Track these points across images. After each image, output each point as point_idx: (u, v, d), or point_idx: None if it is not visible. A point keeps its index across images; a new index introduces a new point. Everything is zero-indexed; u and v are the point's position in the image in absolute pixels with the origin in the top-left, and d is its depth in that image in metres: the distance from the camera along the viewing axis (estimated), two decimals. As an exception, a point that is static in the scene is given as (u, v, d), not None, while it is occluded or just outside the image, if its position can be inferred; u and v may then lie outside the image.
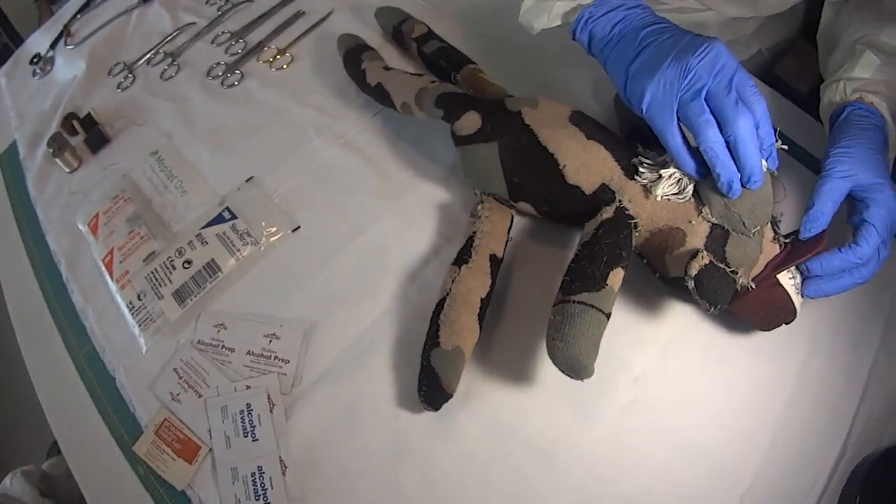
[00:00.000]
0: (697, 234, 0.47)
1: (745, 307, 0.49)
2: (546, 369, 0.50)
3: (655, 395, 0.50)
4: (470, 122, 0.52)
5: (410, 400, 0.49)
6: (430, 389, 0.47)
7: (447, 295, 0.49)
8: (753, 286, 0.47)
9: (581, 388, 0.49)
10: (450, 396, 0.47)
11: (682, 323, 0.54)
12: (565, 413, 0.49)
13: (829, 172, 0.49)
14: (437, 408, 0.47)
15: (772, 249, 0.48)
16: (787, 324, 0.50)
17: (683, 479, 0.48)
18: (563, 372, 0.44)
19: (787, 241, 0.49)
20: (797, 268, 0.50)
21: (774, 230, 0.49)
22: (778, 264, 0.48)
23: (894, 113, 0.53)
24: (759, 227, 0.47)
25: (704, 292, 0.45)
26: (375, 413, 0.49)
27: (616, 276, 0.46)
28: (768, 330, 0.52)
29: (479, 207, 0.53)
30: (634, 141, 0.53)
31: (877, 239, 0.47)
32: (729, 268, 0.46)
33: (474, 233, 0.52)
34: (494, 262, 0.51)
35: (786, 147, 0.47)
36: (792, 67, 0.94)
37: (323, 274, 0.54)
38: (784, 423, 0.50)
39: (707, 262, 0.45)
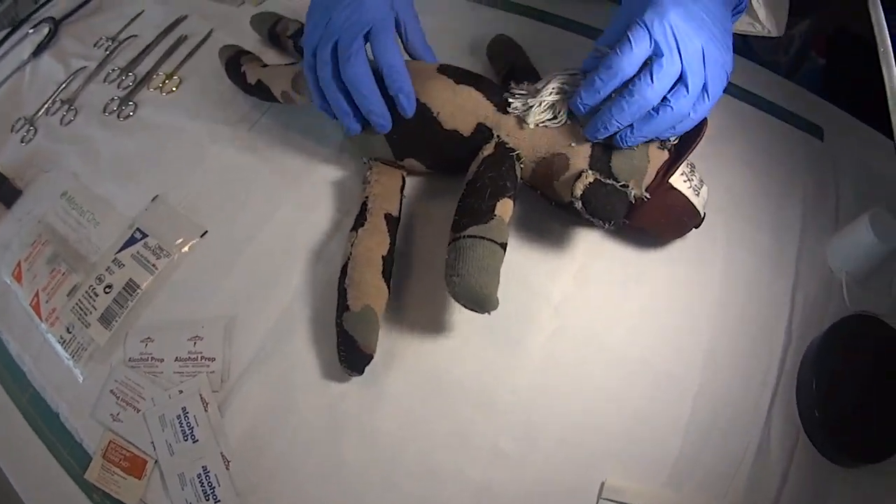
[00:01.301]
0: (580, 155, 0.47)
1: (645, 218, 0.48)
2: (464, 315, 0.49)
3: (580, 320, 0.50)
4: None
5: (336, 371, 0.48)
6: (349, 353, 0.46)
7: (348, 258, 0.49)
8: (648, 196, 0.46)
9: (503, 324, 0.48)
10: (370, 357, 0.46)
11: (592, 246, 0.54)
12: (492, 353, 0.49)
13: None
14: (360, 371, 0.47)
15: (660, 156, 0.47)
16: (696, 227, 0.50)
17: (627, 395, 0.47)
18: (466, 307, 0.44)
19: (673, 144, 0.48)
20: (693, 170, 0.49)
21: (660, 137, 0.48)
22: (667, 167, 0.47)
23: None
24: None
25: (594, 210, 0.45)
26: (305, 392, 0.48)
27: (504, 207, 0.46)
28: (678, 236, 0.52)
29: (369, 173, 0.53)
30: (510, 81, 0.54)
31: (643, 43, 0.40)
32: (618, 182, 0.46)
33: (367, 197, 0.51)
34: (391, 220, 0.51)
35: None
36: None
37: (234, 270, 0.54)
38: (720, 322, 0.50)
39: (592, 181, 0.45)
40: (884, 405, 0.46)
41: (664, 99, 0.42)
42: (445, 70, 0.52)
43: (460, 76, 0.51)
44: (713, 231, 0.53)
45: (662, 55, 0.41)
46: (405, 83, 0.47)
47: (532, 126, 0.48)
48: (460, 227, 0.45)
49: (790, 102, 0.63)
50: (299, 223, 0.55)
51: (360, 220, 0.50)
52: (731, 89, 0.64)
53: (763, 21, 0.52)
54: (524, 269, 0.52)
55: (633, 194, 0.46)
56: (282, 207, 0.56)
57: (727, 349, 0.49)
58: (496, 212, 0.45)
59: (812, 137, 0.62)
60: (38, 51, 0.72)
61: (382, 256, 0.49)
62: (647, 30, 0.40)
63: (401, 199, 0.53)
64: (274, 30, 0.65)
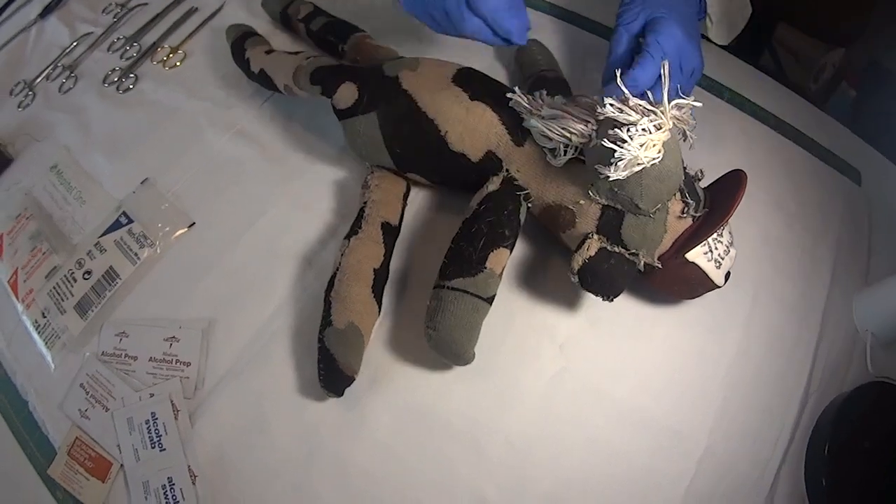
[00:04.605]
0: (588, 216, 0.38)
1: (655, 283, 0.40)
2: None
3: (585, 363, 0.42)
4: (346, 93, 0.43)
5: (315, 392, 0.41)
6: (329, 373, 0.39)
7: (337, 269, 0.41)
8: (659, 265, 0.37)
9: (502, 360, 0.41)
10: (351, 379, 0.39)
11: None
12: (486, 391, 0.41)
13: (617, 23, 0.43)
14: (339, 393, 0.39)
15: (680, 225, 0.37)
16: (716, 288, 0.41)
17: (628, 450, 0.39)
18: (442, 358, 0.38)
19: (700, 214, 0.38)
20: (721, 233, 0.39)
21: (685, 202, 0.37)
22: (684, 243, 0.37)
23: None
24: (659, 206, 0.37)
25: (591, 287, 0.37)
26: (281, 410, 0.41)
27: (497, 258, 0.38)
28: (690, 299, 0.43)
29: (370, 177, 0.45)
30: (535, 92, 0.44)
31: (653, 65, 0.40)
32: (627, 250, 0.37)
33: (365, 203, 0.43)
34: (388, 230, 0.42)
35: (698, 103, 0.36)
36: None
37: (219, 269, 0.46)
38: (736, 377, 0.42)
39: (594, 253, 0.36)
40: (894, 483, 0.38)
41: None
42: (463, 79, 0.42)
43: (476, 90, 0.41)
44: (740, 278, 0.44)
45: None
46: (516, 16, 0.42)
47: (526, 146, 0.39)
48: (446, 276, 0.38)
49: (828, 140, 0.53)
50: (292, 224, 0.47)
51: (355, 228, 0.42)
52: (767, 118, 0.55)
53: (711, 36, 0.49)
54: (530, 300, 0.44)
55: (642, 263, 0.38)
56: (275, 205, 0.48)
57: (740, 407, 0.42)
58: (487, 264, 0.38)
59: (849, 181, 0.52)
60: (46, 12, 0.64)
61: (374, 269, 0.41)
62: (651, 56, 0.40)
63: (402, 208, 0.44)
64: (286, 12, 0.56)
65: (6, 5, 0.65)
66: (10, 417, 0.46)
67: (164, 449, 0.42)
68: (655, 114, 0.34)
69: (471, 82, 0.42)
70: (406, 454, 0.39)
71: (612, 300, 0.38)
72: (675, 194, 0.37)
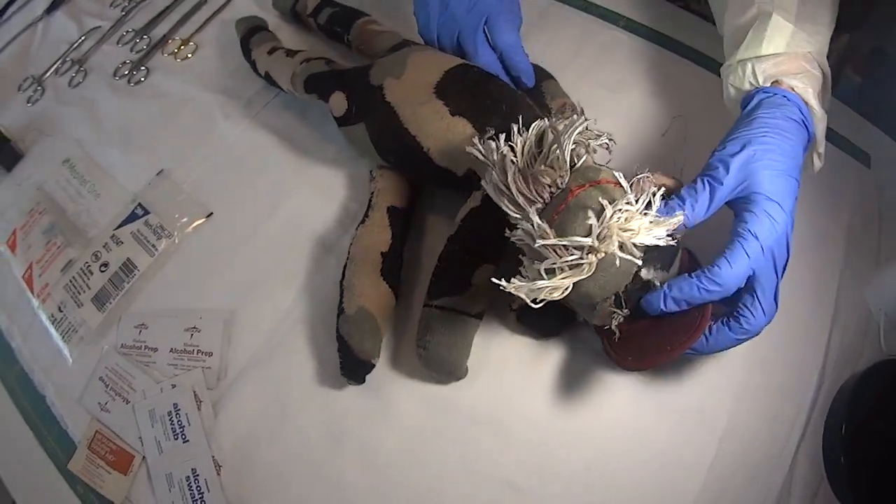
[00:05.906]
0: None
1: None
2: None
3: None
4: (337, 103, 0.43)
5: (338, 381, 0.40)
6: (347, 360, 0.38)
7: (348, 258, 0.40)
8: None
9: (522, 344, 0.40)
10: (369, 364, 0.38)
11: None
12: (511, 376, 0.40)
13: (704, 174, 0.33)
14: (360, 380, 0.38)
15: (603, 326, 0.33)
16: None
17: (650, 431, 0.39)
18: (435, 375, 0.38)
19: (624, 326, 0.33)
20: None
21: (612, 311, 0.32)
22: (602, 339, 0.36)
23: (820, 93, 0.37)
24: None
25: (525, 327, 0.39)
26: (306, 399, 0.40)
27: (482, 274, 0.37)
28: None
29: (374, 169, 0.44)
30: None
31: (743, 263, 0.32)
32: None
33: (372, 192, 0.43)
34: (395, 214, 0.41)
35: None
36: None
37: (239, 258, 0.45)
38: (754, 356, 0.41)
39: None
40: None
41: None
42: (445, 90, 0.40)
43: (461, 100, 0.39)
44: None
45: (762, 283, 0.34)
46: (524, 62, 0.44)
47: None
48: (432, 294, 0.38)
49: (836, 123, 0.52)
50: (312, 212, 0.46)
51: (363, 217, 0.42)
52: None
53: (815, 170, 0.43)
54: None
55: (581, 319, 0.37)
56: (294, 194, 0.47)
57: (759, 386, 0.41)
58: (473, 281, 0.37)
59: (858, 163, 0.52)
60: (52, 7, 0.62)
61: (382, 253, 0.40)
62: (761, 247, 0.33)
63: (411, 192, 0.43)
64: (294, 9, 0.55)
65: (11, 1, 0.64)
66: (28, 413, 0.45)
67: (188, 440, 0.41)
68: (583, 249, 0.29)
69: (454, 92, 0.40)
70: (431, 440, 0.38)
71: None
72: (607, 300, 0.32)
